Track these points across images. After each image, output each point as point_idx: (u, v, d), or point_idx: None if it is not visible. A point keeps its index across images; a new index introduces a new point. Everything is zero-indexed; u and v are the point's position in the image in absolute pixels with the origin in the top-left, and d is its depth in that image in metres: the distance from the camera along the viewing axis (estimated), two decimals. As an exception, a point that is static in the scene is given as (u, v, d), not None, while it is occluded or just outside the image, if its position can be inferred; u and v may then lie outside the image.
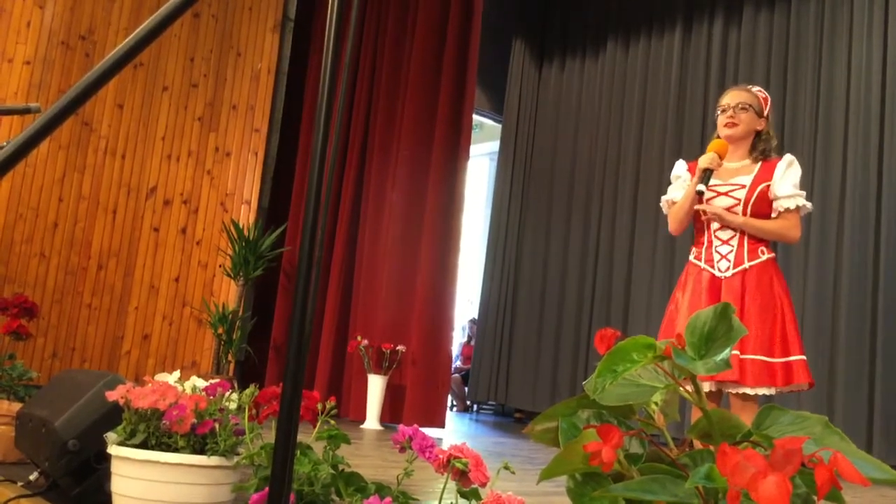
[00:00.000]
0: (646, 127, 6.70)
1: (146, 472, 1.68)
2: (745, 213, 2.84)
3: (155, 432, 1.71)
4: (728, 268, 2.84)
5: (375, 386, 5.31)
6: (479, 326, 8.17)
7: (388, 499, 1.49)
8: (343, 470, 1.68)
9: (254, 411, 1.78)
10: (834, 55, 5.51)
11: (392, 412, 5.42)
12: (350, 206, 6.03)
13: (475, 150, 7.57)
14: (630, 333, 0.83)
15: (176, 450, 1.70)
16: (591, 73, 7.39)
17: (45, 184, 5.35)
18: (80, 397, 1.92)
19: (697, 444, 0.87)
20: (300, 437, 1.11)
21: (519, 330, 7.44)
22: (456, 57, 5.71)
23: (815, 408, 4.78)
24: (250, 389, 1.79)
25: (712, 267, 2.86)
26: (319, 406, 1.76)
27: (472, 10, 5.75)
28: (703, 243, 2.93)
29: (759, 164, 2.90)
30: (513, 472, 1.50)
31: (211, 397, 1.78)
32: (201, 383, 1.86)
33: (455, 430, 6.16)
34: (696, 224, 2.98)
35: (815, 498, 0.72)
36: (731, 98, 2.95)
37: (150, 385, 1.77)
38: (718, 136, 2.95)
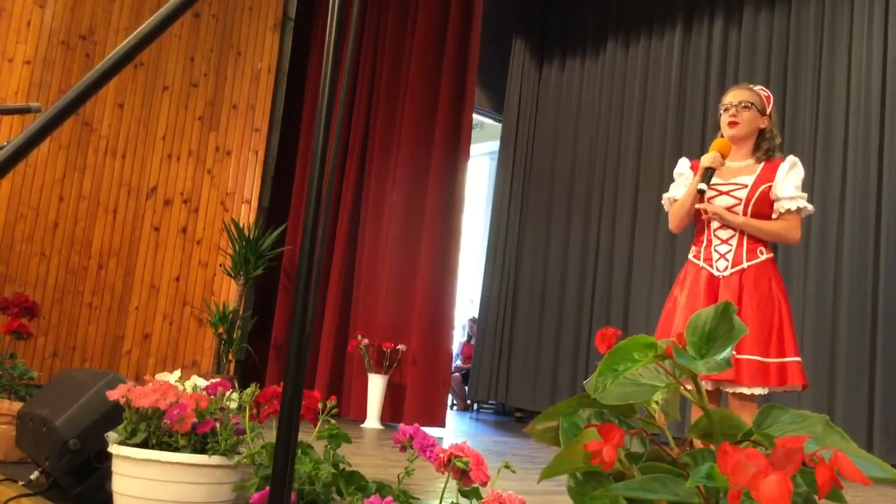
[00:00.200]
0: (646, 127, 6.69)
1: (147, 472, 1.68)
2: (745, 213, 2.84)
3: (156, 431, 1.72)
4: (726, 267, 2.84)
5: (376, 385, 5.31)
6: (479, 326, 8.17)
7: (389, 498, 1.49)
8: (344, 469, 1.68)
9: (254, 410, 1.78)
10: (834, 55, 5.51)
11: (392, 411, 5.42)
12: (350, 206, 6.03)
13: (475, 149, 7.57)
14: (630, 333, 0.83)
15: (177, 449, 1.70)
16: (591, 72, 7.39)
17: (45, 183, 5.35)
18: (80, 396, 1.92)
19: (698, 444, 0.87)
20: (301, 437, 1.11)
21: (519, 329, 7.44)
22: (456, 57, 5.71)
23: (815, 407, 4.78)
24: (251, 389, 1.79)
25: (711, 266, 2.86)
26: (320, 405, 1.76)
27: (472, 9, 5.75)
28: (702, 242, 2.93)
29: (762, 164, 2.89)
30: (513, 472, 1.51)
31: (212, 396, 1.78)
32: (202, 382, 1.86)
33: (455, 430, 6.16)
34: (697, 223, 2.98)
35: (817, 497, 0.72)
36: (733, 97, 2.95)
37: (150, 384, 1.77)
38: (721, 136, 2.95)
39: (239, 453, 1.75)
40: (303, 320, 0.96)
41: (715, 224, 2.90)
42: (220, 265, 5.87)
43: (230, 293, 5.81)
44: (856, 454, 0.75)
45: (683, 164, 3.05)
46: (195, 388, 1.84)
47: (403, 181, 5.75)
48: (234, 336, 5.62)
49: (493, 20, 7.28)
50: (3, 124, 4.97)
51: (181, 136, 5.91)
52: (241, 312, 5.72)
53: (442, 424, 5.30)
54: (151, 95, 5.81)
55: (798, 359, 2.73)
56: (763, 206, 2.84)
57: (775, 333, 2.73)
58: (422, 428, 1.58)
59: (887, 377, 4.77)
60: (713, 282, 2.84)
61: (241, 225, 5.81)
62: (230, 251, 5.80)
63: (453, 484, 1.50)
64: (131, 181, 5.71)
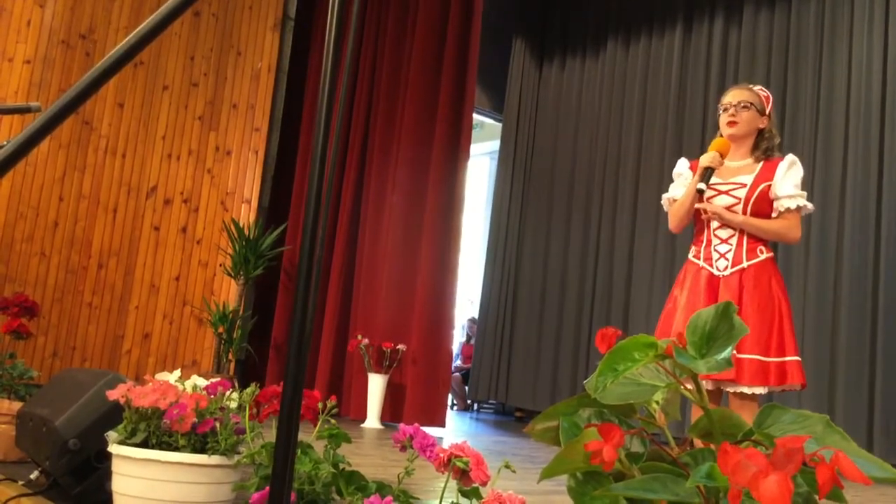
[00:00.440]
0: (646, 126, 6.69)
1: (147, 471, 1.68)
2: (745, 213, 2.84)
3: (155, 431, 1.71)
4: (726, 267, 2.84)
5: (376, 385, 5.31)
6: (479, 325, 8.17)
7: (389, 498, 1.49)
8: (344, 469, 1.68)
9: (254, 410, 1.78)
10: (834, 55, 5.51)
11: (392, 411, 5.42)
12: (350, 205, 6.03)
13: (475, 149, 7.57)
14: (630, 332, 0.83)
15: (176, 449, 1.70)
16: (591, 72, 7.39)
17: (45, 183, 5.35)
18: (80, 396, 1.92)
19: (698, 443, 0.87)
20: (301, 436, 1.11)
21: (519, 329, 7.44)
22: (456, 56, 5.71)
23: (815, 406, 4.78)
24: (251, 388, 1.79)
25: (711, 265, 2.86)
26: (320, 405, 1.76)
27: (473, 9, 5.75)
28: (702, 242, 2.93)
29: (761, 163, 2.90)
30: (513, 471, 1.51)
31: (211, 396, 1.78)
32: (202, 382, 1.86)
33: (455, 429, 6.16)
34: (696, 222, 2.98)
35: (817, 497, 0.72)
36: (732, 97, 2.95)
37: (150, 384, 1.77)
38: (720, 135, 2.95)
39: (239, 453, 1.75)
40: (303, 320, 0.96)
41: (715, 224, 2.90)
42: (220, 265, 5.87)
43: (230, 293, 5.81)
44: (856, 454, 0.75)
45: (682, 165, 3.05)
46: (195, 387, 1.84)
47: (403, 181, 5.75)
48: (234, 336, 5.62)
49: (493, 20, 7.28)
50: (3, 124, 4.97)
51: (181, 136, 5.91)
52: (241, 312, 5.72)
53: (442, 424, 5.30)
54: (151, 95, 5.81)
55: (798, 358, 2.74)
56: (762, 206, 2.84)
57: (775, 333, 2.73)
58: (422, 428, 1.58)
59: (887, 377, 4.77)
60: (713, 281, 2.84)
61: (241, 224, 5.81)
62: (230, 251, 5.80)
63: (453, 484, 1.50)
64: (131, 181, 5.71)
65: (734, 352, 2.60)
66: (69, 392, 2.00)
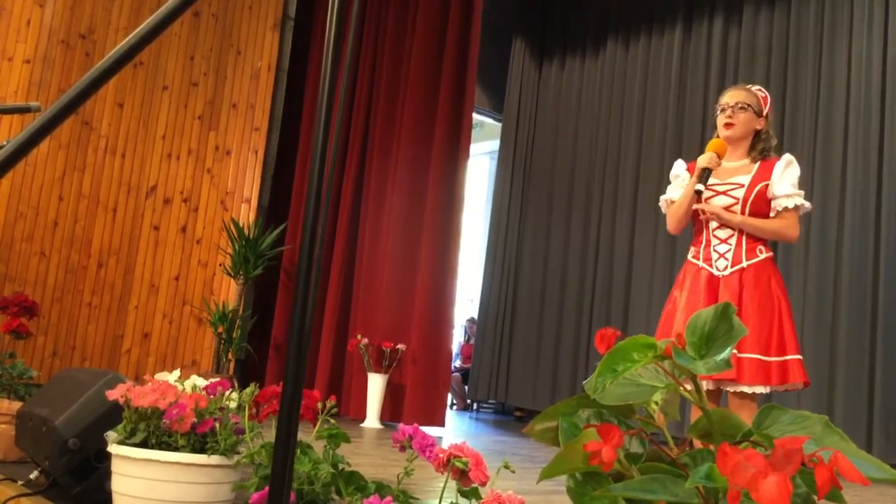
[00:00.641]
0: (646, 126, 6.69)
1: (146, 471, 1.68)
2: (743, 213, 2.84)
3: (155, 431, 1.72)
4: (726, 266, 2.84)
5: (375, 385, 5.31)
6: (479, 325, 8.17)
7: (389, 498, 1.49)
8: (343, 469, 1.68)
9: (254, 410, 1.78)
10: (834, 54, 5.51)
11: (392, 411, 5.42)
12: (350, 205, 6.03)
13: (475, 148, 7.57)
14: (630, 332, 0.83)
15: (176, 449, 1.70)
16: (591, 72, 7.39)
17: (45, 182, 5.35)
18: (80, 396, 1.92)
19: (698, 444, 0.87)
20: (300, 436, 1.11)
21: (519, 328, 7.44)
22: (456, 56, 5.71)
23: (814, 407, 4.78)
24: (250, 388, 1.79)
25: (710, 266, 2.87)
26: (319, 405, 1.76)
27: (472, 8, 5.75)
28: (701, 242, 2.93)
29: (758, 163, 2.90)
30: (513, 471, 1.51)
31: (211, 396, 1.78)
32: (201, 382, 1.86)
33: (455, 429, 6.16)
34: (695, 223, 2.99)
35: (816, 497, 0.72)
36: (729, 97, 2.95)
37: (150, 384, 1.77)
38: (718, 136, 2.95)
39: (238, 453, 1.75)
40: (302, 319, 0.96)
41: (713, 224, 2.90)
42: (220, 264, 5.87)
43: (230, 292, 5.81)
44: (855, 454, 0.75)
45: (679, 167, 3.05)
46: (194, 387, 1.84)
47: (403, 180, 5.75)
48: (234, 335, 5.62)
49: (493, 19, 7.28)
50: (3, 123, 4.97)
51: (181, 136, 5.91)
52: (240, 312, 5.72)
53: (442, 424, 5.30)
54: (151, 94, 5.80)
55: (799, 357, 2.74)
56: (760, 205, 2.84)
57: (775, 332, 2.74)
58: (421, 427, 1.58)
59: (887, 377, 4.77)
60: (713, 281, 2.84)
61: (240, 224, 5.81)
62: (230, 250, 5.80)
63: (453, 484, 1.50)
64: (131, 180, 5.71)
65: (734, 351, 2.62)
66: (69, 392, 2.00)
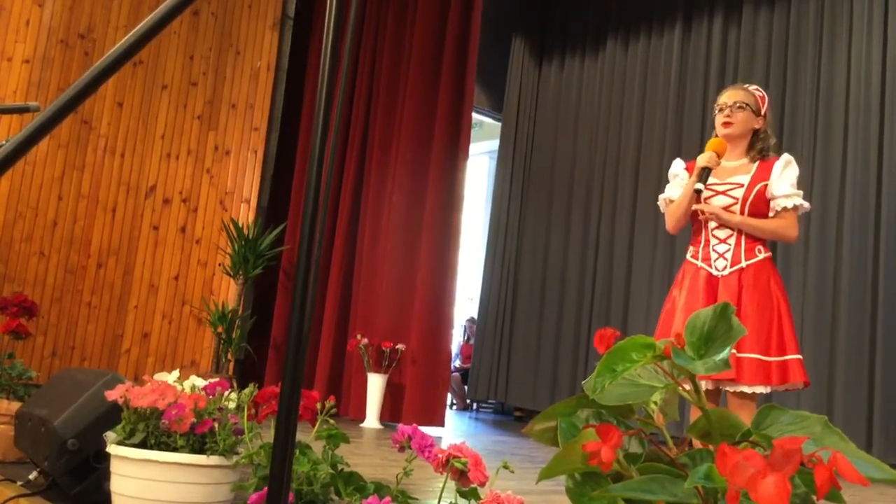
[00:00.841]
0: (645, 125, 6.70)
1: (145, 472, 1.68)
2: (742, 212, 2.84)
3: (154, 431, 1.71)
4: (725, 266, 2.84)
5: (375, 384, 5.31)
6: (479, 324, 8.17)
7: (388, 498, 1.49)
8: (342, 469, 1.68)
9: (253, 410, 1.78)
10: (834, 53, 5.51)
11: (392, 411, 5.42)
12: (350, 205, 6.03)
13: (475, 148, 7.57)
14: (630, 331, 0.83)
15: (175, 449, 1.70)
16: (590, 71, 7.39)
17: (44, 182, 5.35)
18: (79, 396, 1.92)
19: (697, 444, 0.87)
20: (299, 437, 1.11)
21: (519, 327, 7.44)
22: (455, 55, 5.71)
23: (814, 407, 4.78)
24: (249, 389, 1.79)
25: (709, 266, 2.87)
26: (319, 405, 1.76)
27: (472, 8, 5.75)
28: (700, 242, 2.93)
29: (757, 163, 2.90)
30: (512, 472, 1.51)
31: (210, 396, 1.78)
32: (200, 382, 1.86)
33: (455, 429, 6.16)
34: (694, 223, 2.98)
35: (815, 497, 0.72)
36: (728, 97, 2.95)
37: (149, 384, 1.77)
38: (716, 135, 2.95)
39: (237, 453, 1.75)
40: (301, 319, 0.96)
41: (712, 224, 2.90)
42: (220, 264, 5.87)
43: (229, 292, 5.81)
44: (854, 454, 0.75)
45: (678, 166, 3.05)
46: (194, 387, 1.84)
47: (403, 180, 5.75)
48: (234, 335, 5.61)
49: (492, 18, 7.28)
50: (2, 123, 4.97)
51: (180, 135, 5.90)
52: (240, 312, 5.72)
53: (441, 424, 5.30)
54: (150, 94, 5.80)
55: (799, 356, 2.74)
56: (759, 205, 2.84)
57: (775, 332, 2.74)
58: (421, 427, 1.58)
59: (887, 376, 4.77)
60: (712, 281, 2.84)
61: (240, 224, 5.81)
62: (229, 250, 5.80)
63: (452, 484, 1.50)
64: (130, 180, 5.71)
65: (735, 351, 2.61)
66: (68, 392, 2.00)
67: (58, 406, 1.94)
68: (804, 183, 2.92)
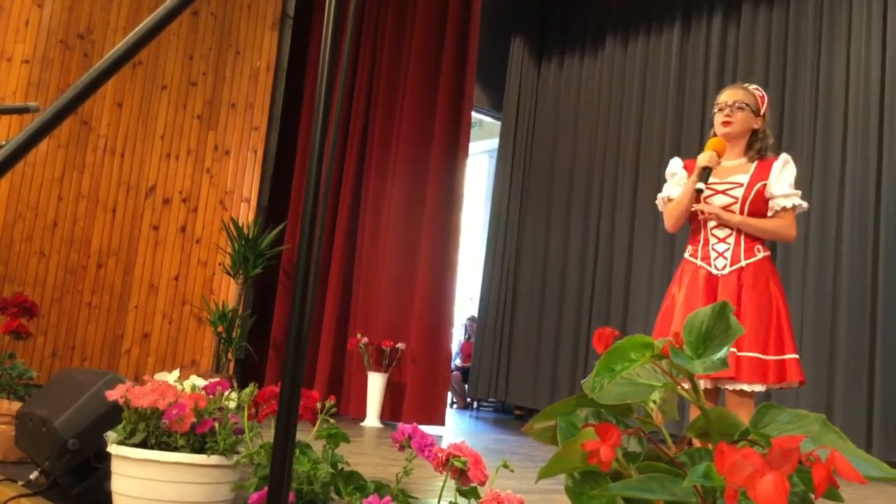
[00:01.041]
0: (645, 124, 6.70)
1: (146, 471, 1.68)
2: (742, 212, 2.84)
3: (154, 431, 1.72)
4: (725, 266, 2.84)
5: (375, 384, 5.31)
6: (479, 323, 8.17)
7: (388, 497, 1.50)
8: (342, 468, 1.68)
9: (253, 410, 1.78)
10: (833, 52, 5.51)
11: (392, 410, 5.43)
12: (350, 204, 6.03)
13: (474, 147, 7.57)
14: (630, 329, 0.83)
15: (175, 449, 1.70)
16: (590, 70, 7.39)
17: (44, 182, 5.35)
18: (79, 396, 1.92)
19: (696, 443, 0.87)
20: (300, 436, 1.11)
21: (519, 326, 7.44)
22: (455, 54, 5.71)
23: (813, 405, 4.78)
24: (249, 388, 1.79)
25: (709, 265, 2.87)
26: (319, 405, 1.76)
27: (471, 7, 5.75)
28: (699, 241, 2.93)
29: (755, 162, 2.91)
30: (512, 471, 1.51)
31: (210, 396, 1.79)
32: (201, 382, 1.86)
33: (455, 428, 6.16)
34: (692, 222, 2.98)
35: (813, 496, 0.72)
36: (727, 96, 2.95)
37: (149, 384, 1.77)
38: (715, 134, 2.96)
39: (237, 453, 1.75)
40: (301, 319, 0.96)
41: (711, 223, 2.90)
42: (220, 264, 5.87)
43: (229, 292, 5.81)
44: (852, 453, 0.75)
45: (676, 164, 3.05)
46: (194, 387, 1.84)
47: (403, 179, 5.76)
48: (234, 335, 5.62)
49: (492, 18, 7.28)
50: (2, 124, 4.97)
51: (180, 135, 5.90)
52: (240, 311, 5.72)
53: (441, 423, 5.30)
54: (150, 94, 5.80)
55: (796, 356, 2.75)
56: (759, 205, 2.85)
57: (773, 331, 2.75)
58: (421, 426, 1.59)
59: (886, 375, 4.78)
60: (712, 280, 2.85)
61: (240, 224, 5.81)
62: (229, 250, 5.80)
63: (452, 483, 1.50)
64: (130, 180, 5.71)
65: (734, 350, 2.61)
66: (68, 392, 2.00)
67: (58, 406, 1.94)
68: (804, 181, 2.93)
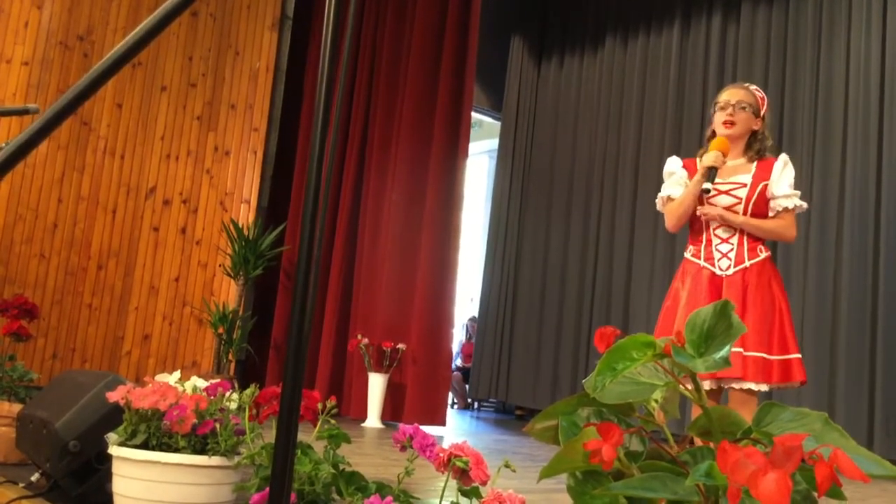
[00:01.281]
0: (645, 123, 6.70)
1: (147, 473, 1.68)
2: (745, 212, 2.85)
3: (156, 433, 1.72)
4: (729, 266, 2.84)
5: (376, 384, 5.31)
6: (479, 323, 8.17)
7: (389, 498, 1.50)
8: (344, 469, 1.68)
9: (254, 411, 1.78)
10: (832, 51, 5.51)
11: (393, 410, 5.43)
12: (350, 205, 6.03)
13: (474, 147, 7.57)
14: (630, 329, 0.83)
15: (177, 450, 1.70)
16: (590, 69, 7.39)
17: (44, 184, 5.35)
18: (80, 398, 1.92)
19: (698, 442, 0.87)
20: (301, 437, 1.11)
21: (519, 326, 7.44)
22: (455, 54, 5.71)
23: (815, 404, 4.78)
24: (250, 389, 1.79)
25: (713, 265, 2.87)
26: (320, 405, 1.76)
27: (471, 7, 5.75)
28: (701, 241, 2.93)
29: (755, 163, 2.91)
30: (513, 470, 1.51)
31: (211, 397, 1.78)
32: (202, 383, 1.86)
33: (456, 428, 6.16)
34: (693, 222, 2.98)
35: (816, 494, 0.72)
36: (729, 95, 2.95)
37: (150, 385, 1.77)
38: (714, 134, 2.96)
39: (239, 454, 1.75)
40: (301, 320, 0.96)
41: (714, 223, 2.90)
42: (220, 265, 5.87)
43: (230, 293, 5.81)
44: (854, 451, 0.75)
45: (675, 163, 3.05)
46: (195, 388, 1.84)
47: (403, 179, 5.75)
48: (234, 336, 5.62)
49: (491, 18, 7.28)
50: (2, 125, 4.97)
51: (180, 136, 5.90)
52: (240, 312, 5.72)
53: (442, 423, 5.30)
54: (150, 95, 5.80)
55: (799, 355, 2.77)
56: (761, 205, 2.86)
57: (776, 330, 2.76)
58: (422, 427, 1.58)
59: (887, 374, 4.78)
60: (716, 280, 2.85)
61: (240, 225, 5.81)
62: (229, 251, 5.80)
63: (453, 483, 1.50)
64: (130, 181, 5.71)
65: (741, 350, 2.62)
66: (69, 394, 2.00)
67: (59, 408, 1.94)
68: (803, 181, 2.94)
